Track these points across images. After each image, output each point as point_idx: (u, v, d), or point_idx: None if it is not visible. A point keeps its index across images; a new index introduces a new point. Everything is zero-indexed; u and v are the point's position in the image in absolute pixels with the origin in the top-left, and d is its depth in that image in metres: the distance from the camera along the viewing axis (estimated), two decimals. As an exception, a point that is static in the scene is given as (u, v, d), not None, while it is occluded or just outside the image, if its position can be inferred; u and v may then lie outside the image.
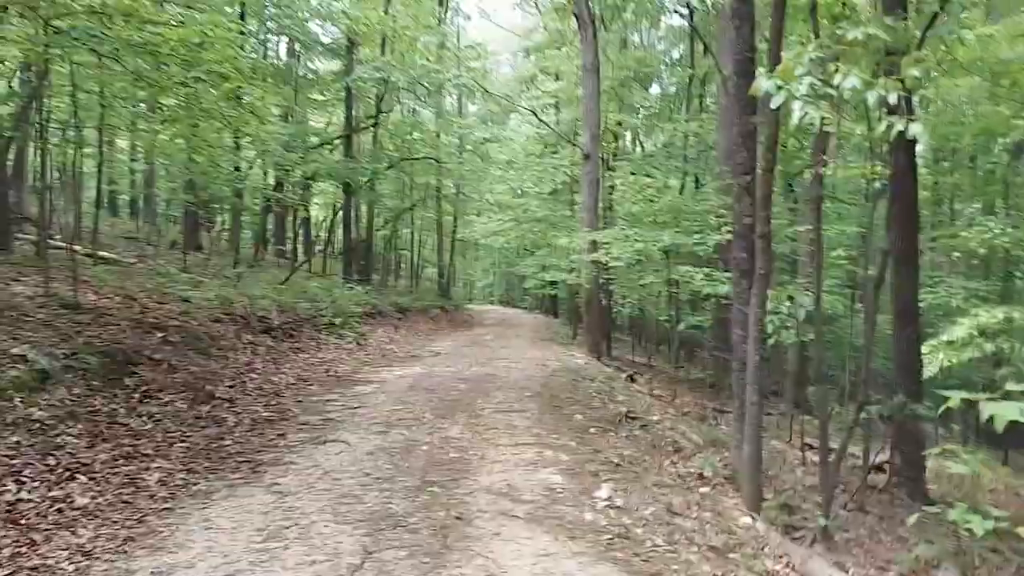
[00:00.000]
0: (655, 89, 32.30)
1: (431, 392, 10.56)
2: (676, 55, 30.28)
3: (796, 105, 4.90)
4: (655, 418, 9.33)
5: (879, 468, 11.91)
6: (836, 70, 4.90)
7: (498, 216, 35.80)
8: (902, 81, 4.94)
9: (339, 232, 30.37)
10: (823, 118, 4.88)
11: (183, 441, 6.88)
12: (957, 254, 18.00)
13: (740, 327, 7.38)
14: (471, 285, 61.44)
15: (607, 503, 5.64)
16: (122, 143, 26.20)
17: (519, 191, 35.95)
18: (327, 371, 12.25)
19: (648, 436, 8.46)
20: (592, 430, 8.35)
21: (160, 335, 9.53)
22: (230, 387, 9.35)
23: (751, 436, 6.38)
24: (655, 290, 20.62)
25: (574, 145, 23.54)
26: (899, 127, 4.69)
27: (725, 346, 18.07)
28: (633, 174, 20.59)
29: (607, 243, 16.22)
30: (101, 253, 15.49)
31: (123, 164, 27.14)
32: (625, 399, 10.87)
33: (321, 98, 29.95)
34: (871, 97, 4.77)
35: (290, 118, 26.16)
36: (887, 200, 9.99)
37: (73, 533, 4.69)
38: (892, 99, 4.75)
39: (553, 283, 32.16)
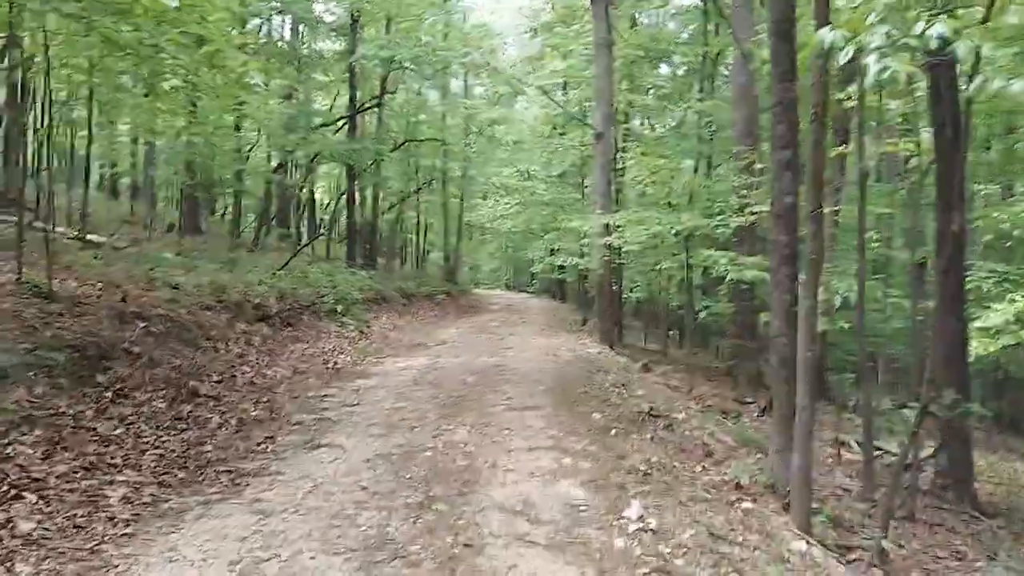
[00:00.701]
0: (664, 70, 31.37)
1: (436, 386, 9.81)
2: (686, 36, 29.32)
3: (871, 59, 4.10)
4: (680, 416, 8.55)
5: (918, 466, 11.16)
6: (918, 17, 4.11)
7: (505, 200, 35.05)
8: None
9: (344, 216, 29.62)
10: (907, 74, 4.07)
11: (157, 448, 6.13)
12: (988, 236, 17.16)
13: (780, 319, 6.59)
14: (477, 269, 60.75)
15: (639, 525, 4.88)
16: (124, 125, 25.48)
17: (526, 174, 35.14)
18: (326, 362, 11.50)
19: (674, 437, 7.69)
20: (613, 431, 7.58)
21: (142, 325, 8.77)
22: (218, 382, 8.61)
23: (801, 446, 5.59)
24: (668, 275, 19.87)
25: (585, 125, 22.70)
26: (998, 83, 3.89)
27: (748, 335, 17.34)
28: (644, 155, 19.81)
29: (620, 226, 15.44)
30: (90, 237, 14.77)
31: (124, 146, 26.47)
32: (645, 393, 10.10)
33: (325, 79, 29.16)
34: (961, 48, 3.98)
35: (294, 99, 25.37)
36: (934, 179, 9.22)
37: (8, 570, 3.94)
38: (986, 50, 3.97)
39: (561, 267, 31.38)
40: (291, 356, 11.30)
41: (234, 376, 9.16)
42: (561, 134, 29.70)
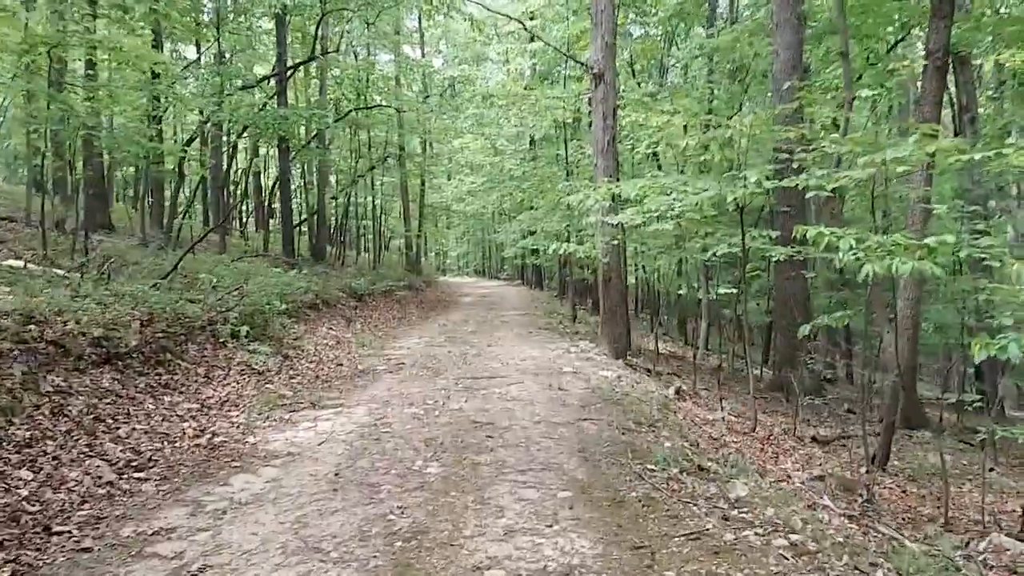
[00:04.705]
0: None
1: (371, 493, 5.40)
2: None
3: None
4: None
5: None
6: None
7: (470, 178, 31.06)
8: None
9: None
10: None
11: None
12: None
13: None
14: (444, 255, 56.57)
15: None
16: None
17: (494, 147, 30.76)
18: (198, 434, 7.01)
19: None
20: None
21: None
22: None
23: None
24: (693, 261, 15.80)
25: (577, 61, 18.21)
26: None
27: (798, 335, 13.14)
28: (652, 109, 15.44)
29: (639, 198, 10.96)
30: None
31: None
32: (747, 494, 5.66)
33: (251, 40, 24.31)
34: None
35: (224, 61, 20.58)
36: None
37: None
38: None
39: (535, 251, 27.32)
40: (137, 428, 6.79)
41: (-24, 505, 4.68)
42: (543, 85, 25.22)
